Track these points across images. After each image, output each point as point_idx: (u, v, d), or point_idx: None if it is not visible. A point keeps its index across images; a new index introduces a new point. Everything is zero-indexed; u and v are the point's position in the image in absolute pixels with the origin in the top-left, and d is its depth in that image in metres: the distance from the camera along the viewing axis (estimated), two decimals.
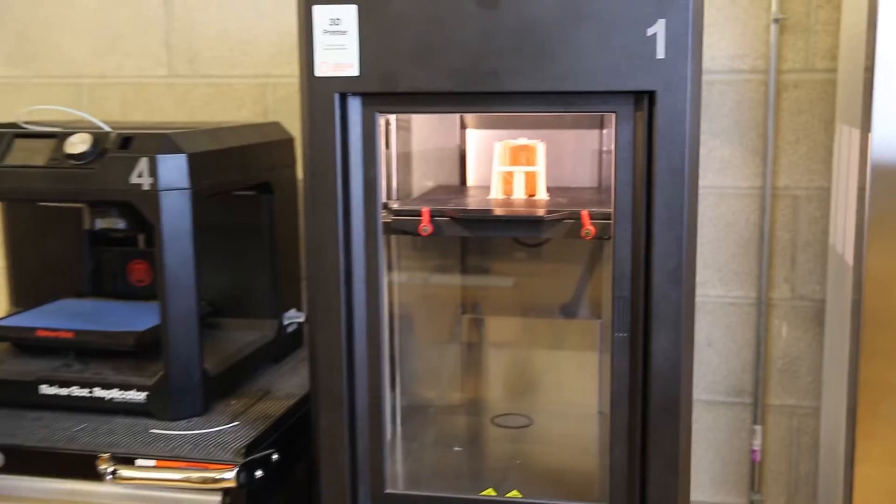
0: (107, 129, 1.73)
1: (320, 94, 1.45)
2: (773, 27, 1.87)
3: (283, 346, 2.03)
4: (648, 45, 1.32)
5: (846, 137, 1.76)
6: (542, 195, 1.68)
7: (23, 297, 2.18)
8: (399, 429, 1.69)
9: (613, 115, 1.39)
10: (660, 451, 1.43)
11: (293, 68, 2.19)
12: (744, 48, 1.89)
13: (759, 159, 1.91)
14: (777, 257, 1.95)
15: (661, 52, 1.32)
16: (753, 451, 1.99)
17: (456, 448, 1.83)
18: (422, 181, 1.88)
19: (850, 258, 1.64)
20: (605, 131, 1.80)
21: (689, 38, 1.31)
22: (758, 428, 1.99)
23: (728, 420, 2.02)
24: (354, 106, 1.47)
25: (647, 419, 1.44)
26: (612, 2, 1.33)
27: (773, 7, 1.87)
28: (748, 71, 1.89)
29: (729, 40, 1.89)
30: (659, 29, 1.31)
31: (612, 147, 1.45)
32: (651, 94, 1.34)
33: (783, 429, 2.00)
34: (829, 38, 1.88)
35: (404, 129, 1.78)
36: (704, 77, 1.35)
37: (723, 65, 1.90)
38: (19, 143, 1.73)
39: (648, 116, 1.36)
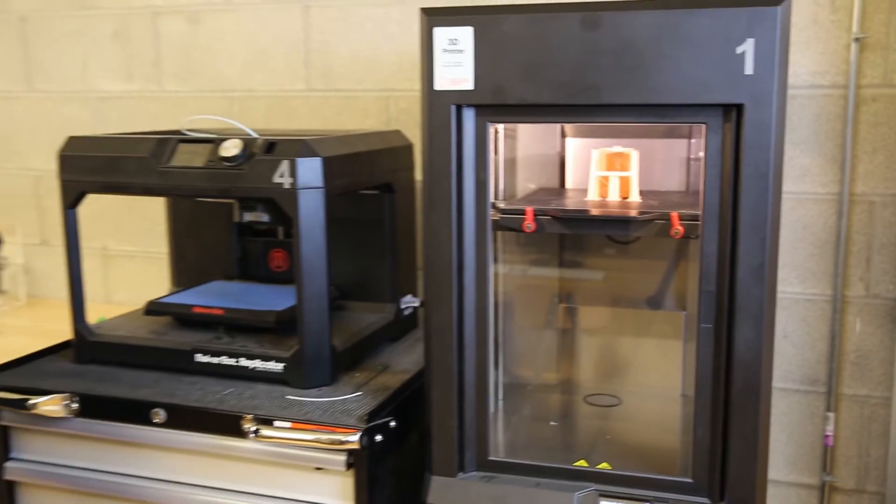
0: (254, 135, 1.76)
1: (439, 105, 1.45)
2: (853, 45, 1.81)
3: (401, 327, 2.04)
4: (738, 62, 1.30)
5: None
6: (634, 198, 1.67)
7: (182, 279, 2.26)
8: (500, 403, 1.69)
9: (704, 126, 1.37)
10: (740, 433, 1.41)
11: (412, 83, 2.23)
12: (825, 65, 1.83)
13: (837, 167, 1.84)
14: (852, 258, 1.88)
15: (749, 69, 1.29)
16: (826, 436, 1.93)
17: (551, 422, 1.81)
18: (525, 184, 1.88)
19: None
20: (693, 140, 1.77)
21: (776, 55, 1.28)
22: (830, 415, 1.93)
23: (802, 407, 1.96)
24: (468, 116, 1.47)
25: (729, 403, 1.41)
26: (705, 22, 1.31)
27: (854, 27, 1.80)
28: (828, 86, 1.83)
29: (811, 58, 1.83)
30: (748, 47, 1.29)
31: (700, 155, 1.44)
32: (739, 108, 1.32)
33: (855, 416, 1.93)
34: None
35: (511, 136, 1.78)
36: (787, 91, 1.32)
37: (804, 80, 1.84)
38: (182, 147, 1.76)
39: (736, 127, 1.33)
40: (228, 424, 1.60)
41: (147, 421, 1.67)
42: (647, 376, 1.91)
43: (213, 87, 2.45)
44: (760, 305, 1.36)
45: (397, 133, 2.05)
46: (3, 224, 2.71)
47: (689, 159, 1.80)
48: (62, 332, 2.06)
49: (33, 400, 1.71)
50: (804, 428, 1.98)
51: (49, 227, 2.72)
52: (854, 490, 1.97)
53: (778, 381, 1.95)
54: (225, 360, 1.79)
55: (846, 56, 1.83)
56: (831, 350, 1.93)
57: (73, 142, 1.85)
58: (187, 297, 2.01)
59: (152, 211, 2.53)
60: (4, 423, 1.80)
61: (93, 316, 1.99)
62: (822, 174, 1.88)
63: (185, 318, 1.97)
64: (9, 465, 1.81)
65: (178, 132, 1.89)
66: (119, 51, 2.53)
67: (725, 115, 1.35)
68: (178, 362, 1.83)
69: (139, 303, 2.21)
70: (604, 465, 1.54)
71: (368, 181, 1.88)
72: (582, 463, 1.55)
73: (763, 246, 1.35)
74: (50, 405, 1.70)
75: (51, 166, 2.61)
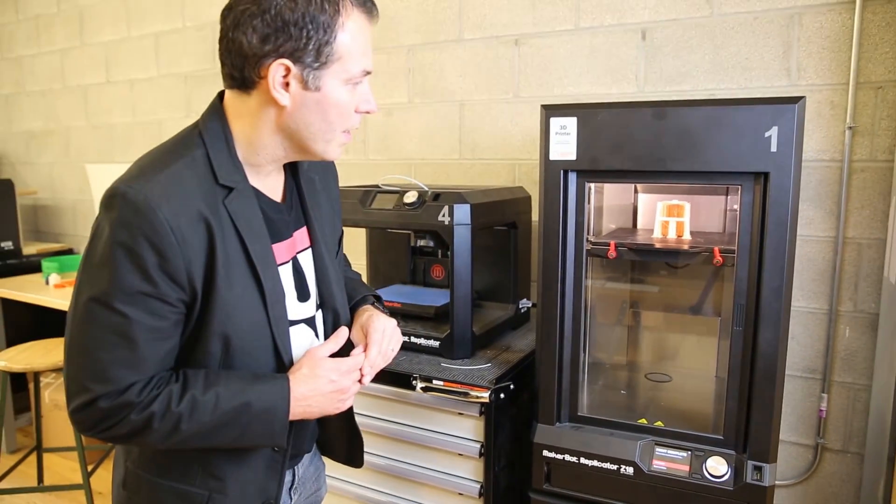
0: (426, 188, 1.78)
1: (552, 170, 1.47)
2: (847, 132, 1.74)
3: (518, 320, 2.01)
4: (765, 142, 1.27)
5: None
6: (686, 236, 1.63)
7: (374, 282, 2.28)
8: (586, 376, 1.68)
9: (739, 187, 1.34)
10: (760, 405, 1.36)
11: (531, 154, 2.24)
12: (826, 145, 1.76)
13: (834, 218, 1.76)
14: (844, 283, 1.79)
15: (774, 147, 1.27)
16: (820, 411, 1.84)
17: (621, 391, 1.79)
18: (608, 224, 1.87)
19: None
20: (729, 196, 1.72)
21: (793, 138, 1.25)
22: (824, 395, 1.84)
23: (803, 389, 1.87)
24: (572, 178, 1.48)
25: (752, 384, 1.37)
26: (742, 115, 1.29)
27: (848, 119, 1.73)
28: (828, 160, 1.75)
29: (816, 140, 1.77)
30: (773, 132, 1.26)
31: (736, 207, 1.40)
32: (766, 175, 1.29)
33: (843, 397, 1.82)
34: (888, 139, 1.71)
35: (599, 191, 1.77)
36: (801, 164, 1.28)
37: (811, 156, 1.77)
38: (379, 196, 1.80)
39: (763, 189, 1.30)
40: (402, 380, 1.63)
41: None
42: (691, 362, 1.85)
43: (399, 156, 2.48)
44: (778, 315, 1.32)
45: (520, 188, 2.05)
46: None
47: (726, 210, 1.75)
48: None
49: None
50: (804, 404, 1.88)
51: None
52: (840, 450, 1.86)
53: (786, 370, 1.87)
54: None
55: (842, 139, 1.75)
56: (826, 349, 1.84)
57: None
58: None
59: (357, 237, 2.58)
60: None
61: None
62: (823, 223, 1.80)
63: None
64: None
65: (376, 186, 1.93)
66: None
67: (756, 180, 1.32)
68: None
69: None
70: (658, 423, 1.51)
71: (500, 220, 1.88)
72: (642, 421, 1.52)
73: (781, 273, 1.31)
74: None
75: None
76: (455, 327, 1.71)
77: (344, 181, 2.61)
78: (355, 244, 2.63)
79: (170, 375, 0.90)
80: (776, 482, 1.69)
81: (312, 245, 1.06)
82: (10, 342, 3.03)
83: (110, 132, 3.36)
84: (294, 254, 1.02)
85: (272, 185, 1.00)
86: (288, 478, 1.11)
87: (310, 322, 1.05)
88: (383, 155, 2.53)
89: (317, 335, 1.07)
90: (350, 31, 0.88)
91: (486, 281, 2.06)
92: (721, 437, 1.43)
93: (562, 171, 1.46)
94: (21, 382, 3.36)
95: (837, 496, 1.89)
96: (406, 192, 1.75)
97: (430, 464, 1.66)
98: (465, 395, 1.54)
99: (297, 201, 1.05)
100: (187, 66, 3.00)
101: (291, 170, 1.06)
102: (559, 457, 1.53)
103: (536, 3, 2.15)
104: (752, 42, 1.85)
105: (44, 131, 3.68)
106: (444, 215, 1.65)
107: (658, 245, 1.59)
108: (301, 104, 0.89)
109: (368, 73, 0.93)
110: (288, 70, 0.87)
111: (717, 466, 1.39)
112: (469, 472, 1.61)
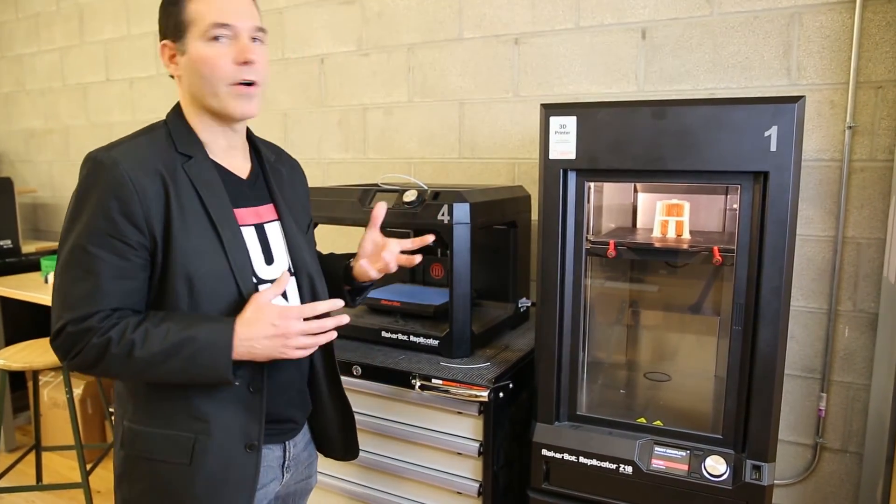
0: (425, 188, 1.78)
1: (551, 169, 1.47)
2: (847, 132, 1.73)
3: (518, 319, 2.01)
4: (765, 141, 1.27)
5: None
6: (686, 236, 1.63)
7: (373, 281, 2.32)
8: (585, 376, 1.68)
9: (739, 187, 1.34)
10: (759, 404, 1.36)
11: (531, 154, 2.24)
12: (826, 145, 1.76)
13: (834, 218, 1.75)
14: (844, 283, 1.78)
15: (773, 147, 1.26)
16: (819, 410, 1.84)
17: (620, 390, 1.78)
18: (607, 223, 1.86)
19: None
20: (729, 196, 1.72)
21: (793, 138, 1.25)
22: (823, 395, 1.83)
23: (803, 388, 1.87)
24: (571, 177, 1.48)
25: (751, 383, 1.37)
26: (742, 114, 1.28)
27: (848, 119, 1.73)
28: (828, 160, 1.74)
29: (816, 139, 1.76)
30: (773, 132, 1.26)
31: (735, 206, 1.40)
32: (766, 174, 1.28)
33: (842, 397, 1.82)
34: (888, 139, 1.71)
35: (599, 191, 1.77)
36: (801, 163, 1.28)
37: (811, 155, 1.77)
38: (378, 195, 1.79)
39: (763, 188, 1.30)
40: (402, 379, 1.63)
41: (349, 373, 1.70)
42: (690, 361, 1.85)
43: (399, 155, 2.48)
44: (777, 315, 1.32)
45: (520, 187, 2.05)
46: None
47: (726, 209, 1.75)
48: None
49: None
50: (804, 403, 1.88)
51: None
52: (839, 450, 1.86)
53: (786, 369, 1.87)
54: (400, 336, 1.80)
55: (842, 139, 1.75)
56: (826, 348, 1.84)
57: (311, 191, 1.90)
58: (377, 293, 2.01)
59: (357, 235, 2.61)
60: None
61: None
62: (823, 222, 1.80)
63: (375, 307, 1.98)
64: None
65: (376, 185, 1.93)
66: (340, 133, 2.60)
67: (755, 179, 1.32)
68: (370, 336, 1.85)
69: None
70: (657, 422, 1.51)
71: (500, 220, 1.87)
72: (642, 420, 1.52)
73: (781, 272, 1.30)
74: None
75: None
76: (454, 326, 1.70)
77: (343, 180, 2.64)
78: (355, 243, 2.62)
79: (133, 313, 1.03)
80: (775, 481, 1.68)
81: (280, 218, 1.19)
82: (9, 341, 3.02)
83: (110, 131, 3.35)
84: (259, 222, 1.15)
85: (237, 165, 1.16)
86: (278, 453, 1.20)
87: None
88: (383, 154, 2.52)
89: (286, 299, 1.17)
90: (198, 1, 1.06)
91: (485, 280, 2.05)
92: (720, 437, 1.43)
93: (561, 171, 1.46)
94: (20, 381, 3.36)
95: (836, 495, 1.89)
96: (406, 191, 1.74)
97: (429, 463, 1.66)
98: (465, 394, 1.54)
99: (262, 181, 1.20)
100: None
101: (257, 157, 1.22)
102: (558, 456, 1.53)
103: (536, 2, 2.15)
104: (753, 41, 1.85)
105: (43, 130, 3.67)
106: (443, 214, 1.65)
107: (657, 244, 1.59)
108: (185, 71, 1.07)
109: (221, 24, 1.04)
110: (167, 47, 1.09)
111: (716, 466, 1.39)
112: (468, 471, 1.61)
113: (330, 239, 2.69)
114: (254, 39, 1.08)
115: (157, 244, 1.02)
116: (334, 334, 1.12)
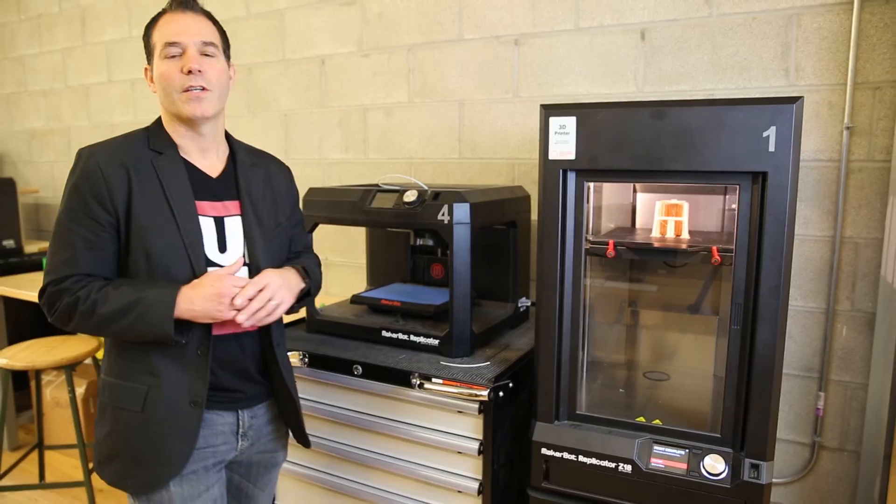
0: (425, 188, 1.78)
1: (551, 169, 1.47)
2: (845, 132, 1.74)
3: (517, 319, 2.02)
4: (764, 142, 1.27)
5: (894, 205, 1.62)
6: (685, 235, 1.63)
7: (374, 281, 2.29)
8: (585, 375, 1.68)
9: (738, 187, 1.34)
10: (757, 403, 1.36)
11: (530, 154, 2.24)
12: (824, 145, 1.76)
13: (832, 218, 1.76)
14: (842, 283, 1.79)
15: (772, 147, 1.26)
16: (817, 409, 1.84)
17: (620, 389, 1.78)
18: (607, 223, 1.86)
19: None
20: (727, 196, 1.72)
21: (791, 138, 1.25)
22: (821, 394, 1.84)
23: (801, 387, 1.87)
24: (571, 177, 1.48)
25: (750, 382, 1.37)
26: (740, 114, 1.29)
27: (846, 119, 1.74)
28: (826, 160, 1.75)
29: (814, 140, 1.77)
30: (771, 132, 1.26)
31: (734, 207, 1.40)
32: (764, 174, 1.29)
33: (840, 396, 1.82)
34: (886, 139, 1.71)
35: (598, 191, 1.77)
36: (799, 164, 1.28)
37: (809, 156, 1.77)
38: (379, 195, 1.79)
39: (761, 188, 1.30)
40: (402, 378, 1.63)
41: (350, 372, 1.71)
42: (689, 361, 1.85)
43: (399, 156, 2.48)
44: (776, 314, 1.32)
45: (520, 188, 2.06)
46: None
47: (724, 209, 1.75)
48: (300, 312, 2.15)
49: None
50: (802, 402, 1.88)
51: None
52: (837, 448, 1.86)
53: (784, 369, 1.87)
54: (400, 336, 1.81)
55: (840, 139, 1.76)
56: (824, 348, 1.84)
57: (311, 191, 1.91)
58: (378, 293, 2.03)
59: (357, 235, 2.61)
60: None
61: (318, 303, 2.05)
62: (821, 222, 1.80)
63: (376, 307, 1.98)
64: None
65: (376, 185, 1.93)
66: (341, 133, 2.61)
67: (754, 180, 1.32)
68: (371, 335, 1.86)
69: (346, 295, 2.31)
70: (657, 421, 1.51)
71: (499, 219, 1.88)
72: (641, 419, 1.52)
73: (779, 272, 1.30)
74: (291, 358, 1.73)
75: None
76: (454, 326, 1.70)
77: (344, 180, 2.64)
78: (355, 243, 2.64)
79: (104, 280, 1.22)
80: (773, 480, 1.68)
81: (242, 214, 1.32)
82: (12, 340, 3.02)
83: (112, 131, 3.35)
84: (221, 215, 1.30)
85: (209, 165, 1.33)
86: (230, 419, 1.34)
87: None
88: (383, 154, 2.52)
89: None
90: (159, 27, 1.26)
91: (485, 280, 2.05)
92: (718, 436, 1.43)
93: (561, 171, 1.46)
94: (22, 380, 3.36)
95: (834, 494, 1.89)
96: (406, 191, 1.74)
97: (430, 462, 1.66)
98: (465, 393, 1.54)
99: (232, 180, 1.34)
100: None
101: (233, 159, 1.37)
102: (558, 455, 1.53)
103: (536, 3, 2.15)
104: (751, 42, 1.85)
105: (45, 130, 3.68)
106: (443, 214, 1.65)
107: (656, 244, 1.59)
108: (156, 86, 1.28)
109: (171, 43, 1.23)
110: (147, 70, 1.30)
111: (715, 464, 1.40)
112: (468, 470, 1.61)
113: (330, 239, 2.69)
114: (204, 53, 1.26)
115: (120, 222, 1.21)
116: (273, 309, 1.25)
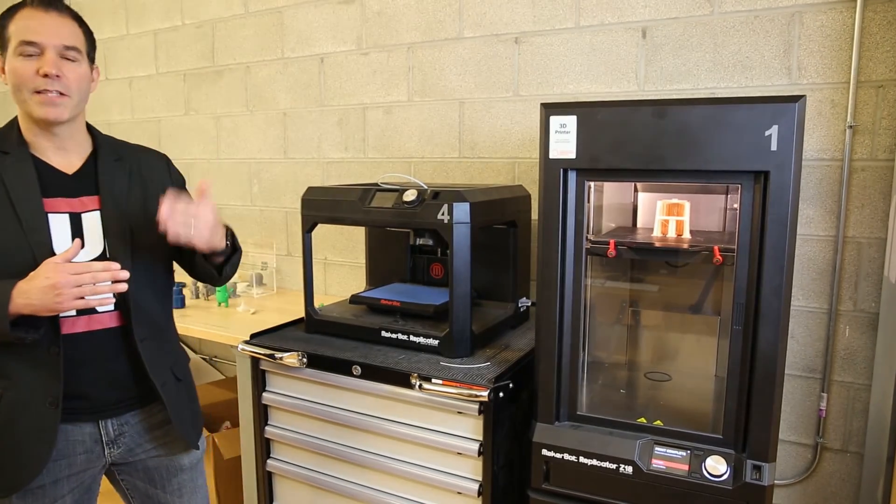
0: (425, 187, 1.78)
1: (551, 168, 1.47)
2: (848, 131, 1.74)
3: (518, 319, 2.02)
4: (766, 141, 1.27)
5: None
6: (686, 235, 1.63)
7: (373, 281, 2.28)
8: (585, 375, 1.68)
9: (739, 186, 1.34)
10: (759, 404, 1.36)
11: (531, 153, 2.24)
12: (827, 144, 1.76)
13: (834, 217, 1.76)
14: (844, 283, 1.79)
15: (774, 146, 1.26)
16: (820, 410, 1.84)
17: (620, 390, 1.78)
18: (608, 223, 1.86)
19: None
20: (729, 195, 1.72)
21: (793, 137, 1.25)
22: (824, 395, 1.84)
23: (803, 388, 1.87)
24: (571, 177, 1.48)
25: (752, 383, 1.37)
26: (742, 113, 1.28)
27: (849, 118, 1.73)
28: (829, 159, 1.75)
29: (817, 139, 1.77)
30: (773, 131, 1.26)
31: (735, 206, 1.40)
32: (766, 174, 1.28)
33: (842, 397, 1.82)
34: (889, 139, 1.71)
35: (599, 190, 1.76)
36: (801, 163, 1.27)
37: (812, 155, 1.77)
38: (378, 194, 1.79)
39: (763, 188, 1.30)
40: (401, 379, 1.63)
41: (349, 373, 1.71)
42: (690, 361, 1.85)
43: (399, 155, 2.47)
44: (778, 314, 1.32)
45: (520, 187, 2.06)
46: (265, 241, 2.83)
47: (726, 209, 1.75)
48: (298, 312, 2.13)
49: (279, 355, 1.79)
50: (804, 403, 1.88)
51: (293, 244, 2.81)
52: (840, 450, 1.86)
53: (786, 369, 1.86)
54: (400, 336, 1.81)
55: (842, 138, 1.75)
56: (826, 348, 1.84)
57: (310, 190, 1.91)
58: (377, 293, 2.03)
59: (357, 235, 2.61)
60: (263, 367, 1.88)
61: (317, 302, 2.04)
62: (823, 222, 1.80)
63: (375, 307, 1.98)
64: (265, 394, 1.89)
65: (376, 184, 1.93)
66: (340, 132, 2.60)
67: (756, 179, 1.32)
68: (370, 336, 1.86)
69: (346, 295, 2.32)
70: (658, 422, 1.51)
71: (500, 219, 1.87)
72: (642, 420, 1.52)
73: (781, 272, 1.30)
74: (290, 359, 1.78)
75: (296, 206, 2.78)
76: (454, 326, 1.70)
77: (343, 179, 2.64)
78: (355, 242, 2.63)
79: None
80: (775, 481, 1.69)
81: (101, 209, 1.30)
82: None
83: (109, 130, 3.30)
84: (77, 211, 1.28)
85: (64, 162, 1.30)
86: (91, 429, 1.30)
87: None
88: (383, 153, 2.52)
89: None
90: (17, 20, 1.21)
91: (485, 279, 2.05)
92: (720, 437, 1.43)
93: (561, 170, 1.46)
94: None
95: (837, 495, 1.89)
96: (405, 190, 1.74)
97: (429, 462, 1.66)
98: (465, 394, 1.54)
99: (92, 177, 1.31)
100: (186, 64, 2.99)
101: (95, 154, 1.35)
102: (558, 456, 1.53)
103: (536, 1, 2.14)
104: (753, 41, 1.85)
105: None
106: (443, 214, 1.65)
107: (658, 244, 1.58)
108: (7, 80, 1.23)
109: (28, 42, 1.19)
110: (1, 60, 1.25)
111: (717, 466, 1.39)
112: (468, 471, 1.61)
113: (329, 238, 2.69)
114: (65, 57, 1.22)
115: None
116: (113, 291, 1.22)
